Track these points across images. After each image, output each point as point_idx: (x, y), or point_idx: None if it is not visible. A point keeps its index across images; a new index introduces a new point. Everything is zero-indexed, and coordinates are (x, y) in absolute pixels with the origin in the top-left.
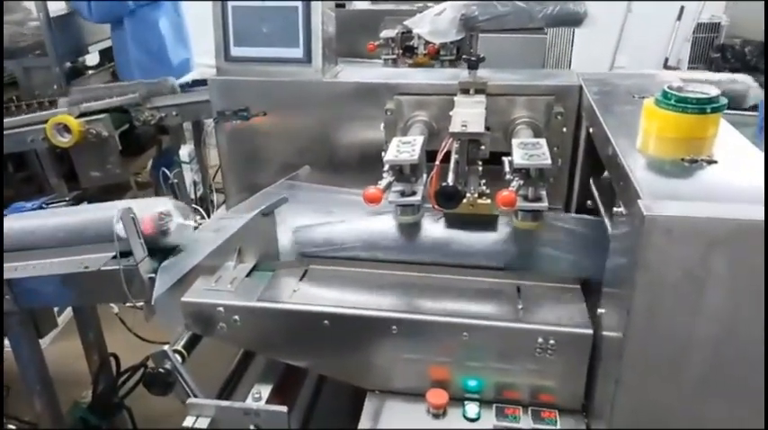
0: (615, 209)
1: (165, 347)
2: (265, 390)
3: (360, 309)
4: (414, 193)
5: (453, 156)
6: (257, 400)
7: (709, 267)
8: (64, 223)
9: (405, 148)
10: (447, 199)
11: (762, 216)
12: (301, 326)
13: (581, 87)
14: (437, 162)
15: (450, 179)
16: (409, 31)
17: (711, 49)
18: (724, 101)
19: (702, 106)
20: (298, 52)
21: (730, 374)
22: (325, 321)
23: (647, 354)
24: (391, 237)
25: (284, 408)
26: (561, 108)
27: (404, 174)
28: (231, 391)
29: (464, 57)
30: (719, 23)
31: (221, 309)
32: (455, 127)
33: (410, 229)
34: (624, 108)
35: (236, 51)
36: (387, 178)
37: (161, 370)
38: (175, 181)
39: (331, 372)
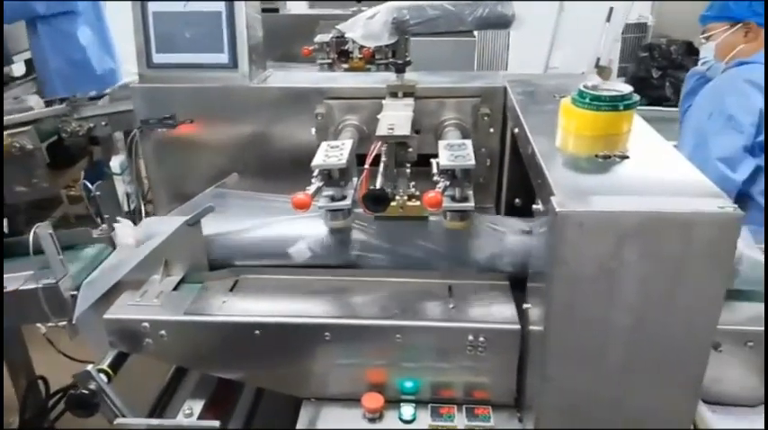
0: (534, 206)
1: (89, 367)
2: (197, 406)
3: (291, 318)
4: (343, 198)
5: (382, 160)
6: (188, 417)
7: (621, 259)
8: None
9: (333, 153)
10: (375, 202)
11: (667, 207)
12: (231, 338)
13: (506, 89)
14: (366, 165)
15: (379, 182)
16: (343, 36)
17: (640, 49)
18: (636, 98)
19: (615, 104)
20: (223, 57)
21: (647, 359)
22: (256, 331)
23: (568, 346)
24: (322, 242)
25: (216, 423)
26: (488, 109)
27: (333, 178)
28: (163, 408)
29: (391, 60)
30: (646, 24)
31: (146, 324)
32: (382, 130)
33: (340, 234)
34: (545, 108)
35: (158, 58)
36: (315, 183)
37: (85, 391)
38: (97, 193)
39: (265, 384)
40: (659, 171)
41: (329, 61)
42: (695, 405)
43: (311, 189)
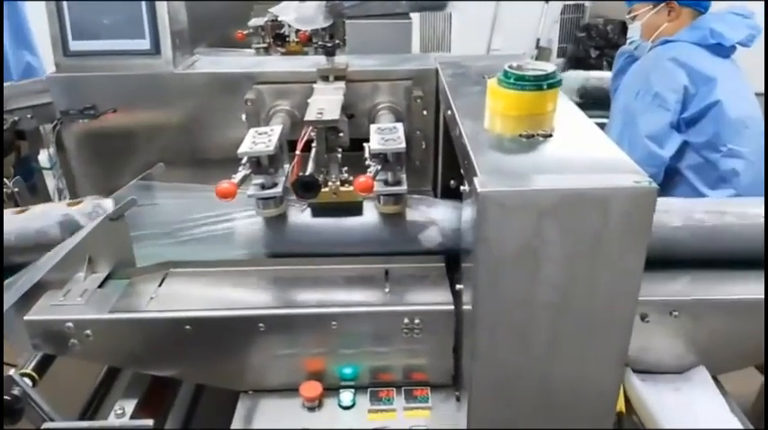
0: (461, 187)
1: (11, 372)
2: (129, 405)
3: (223, 310)
4: (274, 185)
5: (312, 145)
6: (120, 417)
7: (543, 236)
8: None
9: (261, 139)
10: (305, 188)
11: (584, 184)
12: (161, 334)
13: (437, 70)
14: (297, 151)
15: (310, 168)
16: (279, 19)
17: (577, 29)
18: (560, 77)
19: (539, 83)
20: (144, 43)
21: (572, 333)
22: (187, 326)
23: (495, 324)
24: (254, 231)
25: (149, 422)
26: (420, 92)
27: (262, 166)
28: (96, 410)
29: (319, 43)
30: (583, 5)
31: (70, 324)
32: (311, 115)
33: (274, 222)
34: (474, 89)
35: (75, 45)
36: (242, 171)
37: (8, 396)
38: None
39: (200, 379)
40: (580, 149)
41: (265, 45)
42: (621, 373)
43: (237, 177)
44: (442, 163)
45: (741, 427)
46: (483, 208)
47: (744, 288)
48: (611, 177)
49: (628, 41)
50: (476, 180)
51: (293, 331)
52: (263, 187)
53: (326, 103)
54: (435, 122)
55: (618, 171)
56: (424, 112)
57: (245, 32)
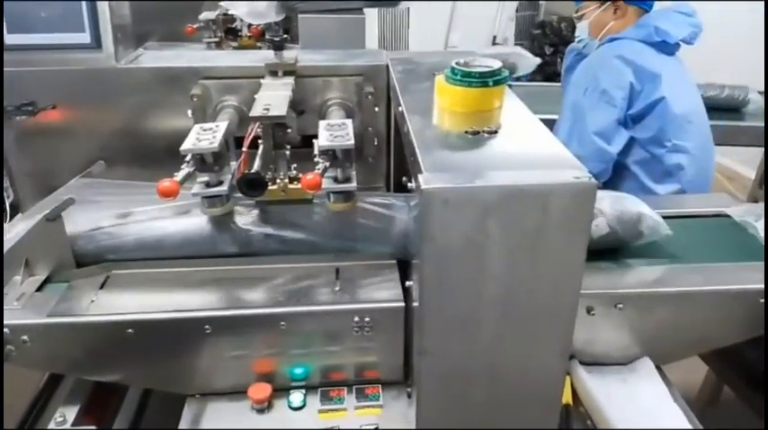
0: (409, 184)
1: None
2: (71, 413)
3: (166, 313)
4: (220, 183)
5: (259, 142)
6: (61, 424)
7: (486, 232)
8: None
9: (205, 136)
10: (251, 186)
11: (526, 180)
12: (102, 338)
13: (388, 66)
14: (244, 148)
15: (257, 165)
16: (230, 13)
17: (532, 27)
18: (506, 73)
19: (485, 80)
20: (84, 37)
21: (517, 326)
22: (129, 330)
23: (441, 320)
24: (201, 231)
25: (91, 429)
26: (371, 88)
27: (206, 163)
28: (36, 418)
29: (267, 38)
30: (538, 3)
31: (7, 330)
32: (256, 111)
33: (222, 221)
34: (423, 85)
35: (11, 39)
36: (185, 169)
37: None
38: None
39: (145, 384)
40: (524, 145)
41: (216, 40)
42: (566, 364)
43: (179, 175)
44: (394, 159)
45: (683, 416)
46: (427, 204)
47: (685, 279)
48: (552, 173)
49: (576, 39)
50: (420, 177)
51: (240, 332)
52: (208, 185)
53: (273, 98)
54: (387, 119)
55: (559, 167)
56: (376, 109)
57: (195, 27)
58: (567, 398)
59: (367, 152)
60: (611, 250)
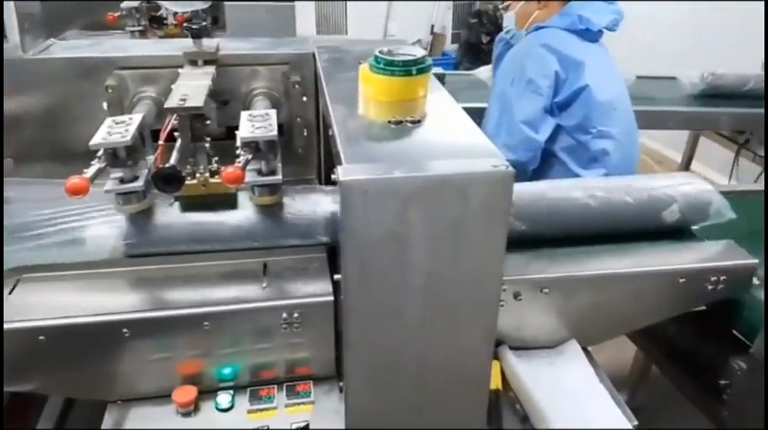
0: (332, 176)
1: None
2: None
3: (80, 318)
4: (135, 179)
5: (176, 134)
6: None
7: (407, 223)
8: None
9: (117, 129)
10: (166, 181)
11: (444, 170)
12: (12, 347)
13: (315, 55)
14: (160, 141)
15: (173, 159)
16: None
17: (470, 15)
18: (429, 62)
19: (408, 68)
20: None
21: (442, 315)
22: (41, 337)
23: (366, 312)
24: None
25: None
26: (298, 77)
27: (119, 158)
28: None
29: (185, 25)
30: None
31: None
32: (172, 102)
33: (139, 219)
34: (349, 74)
35: None
36: (96, 164)
37: None
38: None
39: (63, 392)
40: (446, 135)
41: (140, 28)
42: (491, 350)
43: (89, 171)
44: (324, 150)
45: (608, 396)
46: (347, 196)
47: (607, 262)
48: (470, 162)
49: (504, 30)
50: (339, 169)
51: (162, 335)
52: (122, 181)
53: (191, 88)
54: (317, 109)
55: (478, 156)
56: (304, 98)
57: (116, 15)
58: (496, 383)
59: (296, 143)
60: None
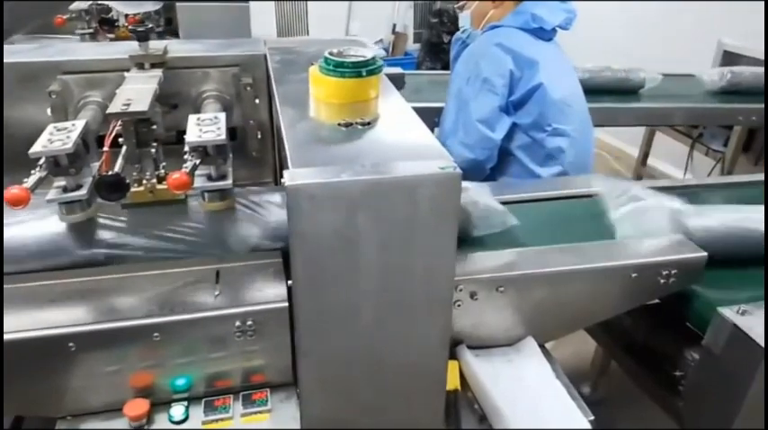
0: (281, 180)
1: None
2: None
3: (23, 332)
4: (78, 187)
5: (120, 140)
6: None
7: (356, 226)
8: None
9: (59, 136)
10: (110, 189)
11: (392, 172)
12: None
13: (266, 56)
14: (105, 148)
15: (118, 166)
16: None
17: (430, 15)
18: (380, 63)
19: (358, 69)
20: None
21: (396, 318)
22: None
23: (319, 318)
24: (61, 239)
25: None
26: (249, 79)
27: (61, 166)
28: None
29: (130, 28)
30: None
31: None
32: (115, 107)
33: (84, 228)
34: (300, 76)
35: None
36: (36, 173)
37: None
38: None
39: (9, 409)
40: (395, 136)
41: (90, 31)
42: (446, 350)
43: (30, 181)
44: (279, 152)
45: (564, 392)
46: (293, 201)
47: (561, 260)
48: (418, 164)
49: (460, 30)
50: (286, 173)
51: (110, 347)
52: (65, 190)
53: (136, 92)
54: (270, 111)
55: (426, 157)
56: (257, 101)
57: (64, 17)
58: (455, 383)
59: (250, 146)
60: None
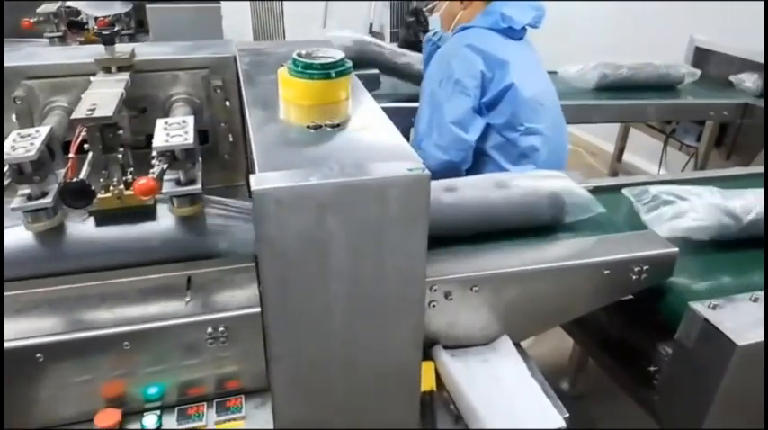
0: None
1: None
2: None
3: None
4: (44, 195)
5: (85, 146)
6: None
7: (326, 229)
8: None
9: (22, 143)
10: (75, 197)
11: (360, 175)
12: None
13: (236, 58)
14: (71, 154)
15: (83, 172)
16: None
17: (407, 14)
18: (349, 64)
19: (327, 71)
20: None
21: (368, 320)
22: None
23: (289, 323)
24: (27, 248)
25: None
26: (219, 81)
27: (25, 173)
28: None
29: (95, 31)
30: None
31: None
32: (80, 112)
33: (51, 237)
34: (270, 78)
35: None
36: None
37: None
38: None
39: None
40: (364, 138)
41: (59, 34)
42: (419, 351)
43: None
44: (250, 156)
45: (540, 390)
46: (260, 206)
47: (534, 257)
48: (387, 166)
49: (431, 32)
50: (252, 177)
51: (79, 358)
52: (30, 198)
53: (101, 97)
54: (242, 113)
55: (395, 159)
56: (227, 103)
57: (32, 20)
58: (430, 384)
59: (222, 149)
60: None
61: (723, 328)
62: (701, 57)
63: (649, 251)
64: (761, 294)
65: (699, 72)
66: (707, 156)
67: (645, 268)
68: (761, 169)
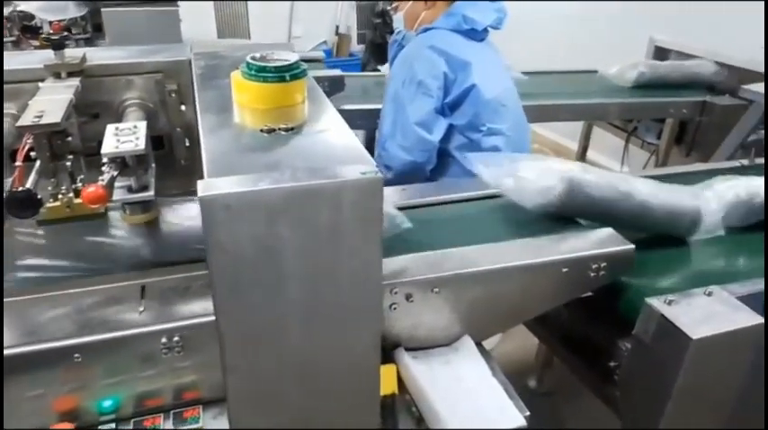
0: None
1: None
2: None
3: None
4: None
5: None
6: None
7: (278, 235)
8: None
9: None
10: (20, 207)
11: (311, 179)
12: None
13: (191, 62)
14: (18, 162)
15: (30, 181)
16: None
17: (373, 15)
18: (304, 67)
19: (282, 74)
20: None
21: (325, 326)
22: None
23: (243, 332)
24: None
25: None
26: (174, 85)
27: None
28: None
29: (43, 36)
30: None
31: None
32: (26, 119)
33: None
34: (225, 81)
35: None
36: None
37: None
38: None
39: None
40: (318, 142)
41: (13, 39)
42: (378, 355)
43: None
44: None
45: (501, 390)
46: (208, 212)
47: (494, 257)
48: (339, 170)
49: (395, 32)
50: (200, 183)
51: (28, 372)
52: None
53: (49, 103)
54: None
55: (348, 163)
56: (182, 107)
57: None
58: (392, 387)
59: (179, 154)
60: None
61: (679, 323)
62: (661, 55)
63: (607, 248)
64: (715, 288)
65: (724, 72)
66: (667, 153)
67: (603, 265)
68: (720, 165)
